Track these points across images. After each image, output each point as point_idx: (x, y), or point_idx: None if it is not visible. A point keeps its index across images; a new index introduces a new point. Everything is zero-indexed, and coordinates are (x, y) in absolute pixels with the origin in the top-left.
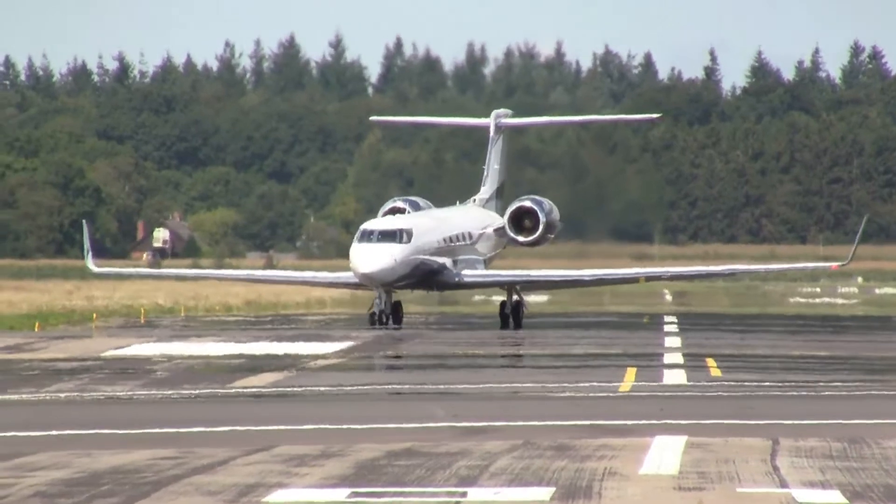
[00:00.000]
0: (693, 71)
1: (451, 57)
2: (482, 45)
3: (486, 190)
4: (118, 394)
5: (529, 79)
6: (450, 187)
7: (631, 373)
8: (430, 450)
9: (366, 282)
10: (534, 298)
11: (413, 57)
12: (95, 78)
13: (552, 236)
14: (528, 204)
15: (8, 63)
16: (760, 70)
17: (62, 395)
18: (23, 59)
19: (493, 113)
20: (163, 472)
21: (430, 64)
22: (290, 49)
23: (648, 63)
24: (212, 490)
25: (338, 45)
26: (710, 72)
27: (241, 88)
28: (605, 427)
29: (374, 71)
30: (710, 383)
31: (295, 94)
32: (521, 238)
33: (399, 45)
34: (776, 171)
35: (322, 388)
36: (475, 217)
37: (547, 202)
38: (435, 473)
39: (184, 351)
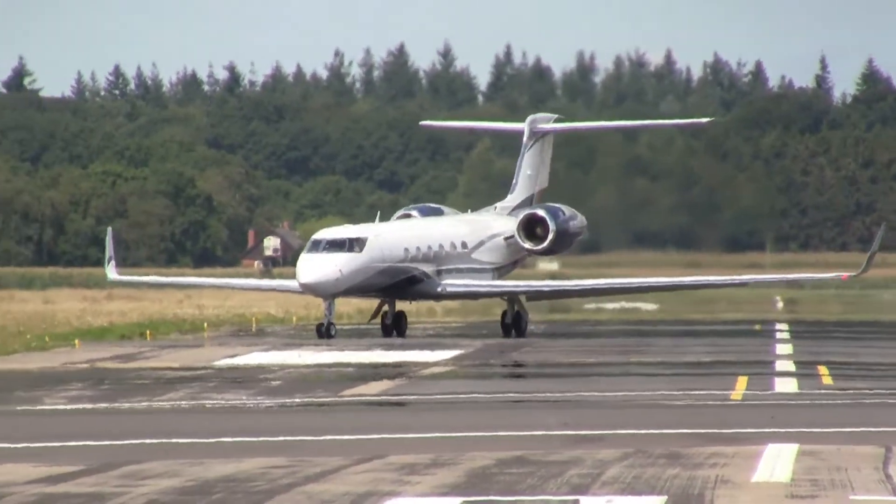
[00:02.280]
0: (803, 79)
1: (560, 65)
2: (592, 53)
3: (513, 197)
4: (230, 402)
5: (639, 87)
6: (558, 195)
7: (742, 381)
8: (542, 458)
9: (308, 293)
10: (644, 306)
11: (523, 65)
12: (205, 87)
13: (571, 244)
14: (539, 212)
15: (118, 72)
16: (871, 78)
17: (173, 403)
18: (132, 68)
19: (529, 118)
20: (275, 481)
21: (540, 72)
22: (399, 58)
23: (759, 71)
24: (324, 499)
25: (447, 55)
26: (821, 80)
27: (351, 97)
28: (717, 435)
29: (483, 80)
30: (821, 391)
31: (405, 103)
32: (527, 245)
33: (509, 53)
34: (887, 178)
35: (432, 397)
36: (475, 225)
37: (568, 211)
38: (546, 482)
39: (295, 360)
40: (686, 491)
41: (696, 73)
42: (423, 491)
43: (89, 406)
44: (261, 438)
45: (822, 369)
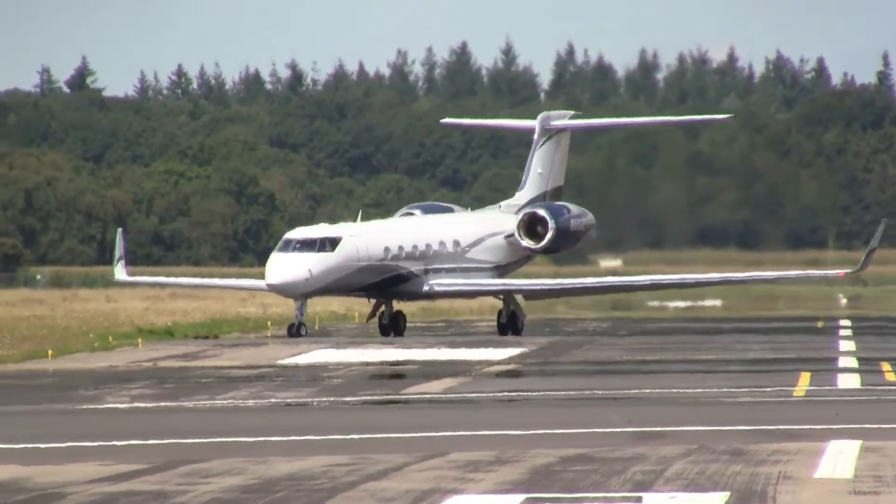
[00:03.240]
0: (866, 76)
1: (623, 63)
2: (654, 50)
3: (522, 195)
4: (293, 400)
5: (702, 84)
6: (621, 193)
7: (805, 377)
8: (605, 455)
9: (276, 293)
10: (708, 303)
11: (585, 63)
12: (268, 86)
13: (576, 242)
14: (539, 211)
15: (180, 72)
16: None
17: (236, 402)
18: (195, 67)
19: (541, 115)
20: (338, 479)
21: (603, 70)
22: (461, 56)
23: (821, 68)
24: (387, 496)
25: (509, 52)
26: (883, 76)
27: (414, 95)
28: (780, 432)
29: (545, 77)
30: (885, 387)
31: (467, 101)
32: (525, 244)
33: (571, 51)
34: None
35: (495, 394)
36: (472, 224)
37: (576, 209)
38: (609, 479)
39: (358, 357)
40: (749, 487)
41: (759, 70)
42: (486, 488)
43: (152, 405)
44: (324, 436)
45: (886, 366)
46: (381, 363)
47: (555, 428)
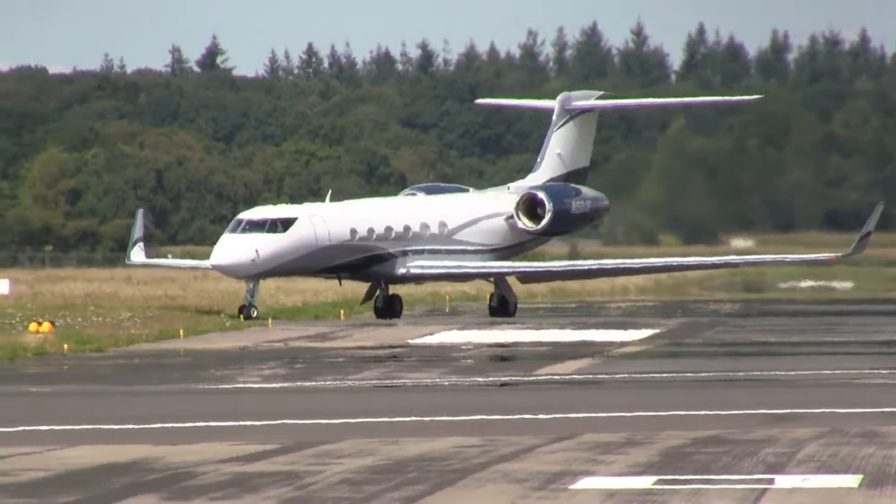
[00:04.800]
0: None
1: (754, 44)
2: (786, 31)
3: (535, 176)
4: (424, 381)
5: (834, 65)
6: (752, 174)
7: None
8: (737, 437)
9: (222, 273)
10: (839, 285)
11: (716, 44)
12: (399, 66)
13: (580, 225)
14: (538, 193)
15: (311, 51)
16: None
17: (368, 382)
18: (326, 47)
19: (561, 95)
20: (469, 460)
21: (734, 51)
22: (592, 37)
23: None
24: (518, 477)
25: (640, 33)
26: None
27: (544, 76)
28: None
29: (676, 58)
30: None
31: (598, 82)
32: (521, 225)
33: (702, 31)
34: None
35: (626, 376)
36: (466, 205)
37: (588, 192)
38: (741, 461)
39: (488, 338)
40: (882, 469)
41: (891, 50)
42: (618, 470)
43: (284, 385)
44: (454, 418)
45: None
46: (512, 344)
47: (686, 410)
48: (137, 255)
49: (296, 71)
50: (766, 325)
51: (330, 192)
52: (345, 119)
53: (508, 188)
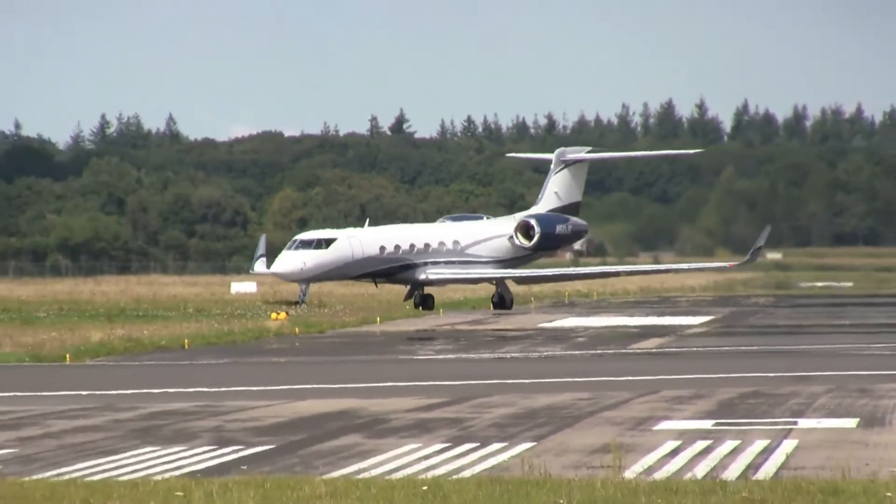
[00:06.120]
0: None
1: (782, 113)
2: (804, 105)
3: (537, 208)
4: (550, 353)
5: (838, 129)
6: (781, 206)
7: None
8: (770, 392)
9: (279, 278)
10: (840, 284)
11: (756, 114)
12: (531, 130)
13: (564, 243)
14: (531, 220)
15: (469, 120)
16: None
17: (510, 354)
18: (480, 117)
19: (558, 150)
20: (581, 409)
21: (768, 119)
22: (668, 108)
23: None
24: (616, 421)
25: (702, 106)
26: None
27: (634, 136)
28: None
29: (727, 124)
30: None
31: (672, 141)
32: (517, 243)
33: (745, 105)
34: None
35: (694, 349)
36: (476, 228)
37: (575, 220)
38: (774, 408)
39: (596, 323)
40: (873, 415)
41: (878, 119)
42: (687, 416)
43: (450, 356)
44: (570, 379)
45: None
46: (612, 327)
47: (736, 373)
48: (259, 266)
49: (459, 133)
50: (791, 313)
51: (368, 220)
52: (493, 167)
53: (515, 217)
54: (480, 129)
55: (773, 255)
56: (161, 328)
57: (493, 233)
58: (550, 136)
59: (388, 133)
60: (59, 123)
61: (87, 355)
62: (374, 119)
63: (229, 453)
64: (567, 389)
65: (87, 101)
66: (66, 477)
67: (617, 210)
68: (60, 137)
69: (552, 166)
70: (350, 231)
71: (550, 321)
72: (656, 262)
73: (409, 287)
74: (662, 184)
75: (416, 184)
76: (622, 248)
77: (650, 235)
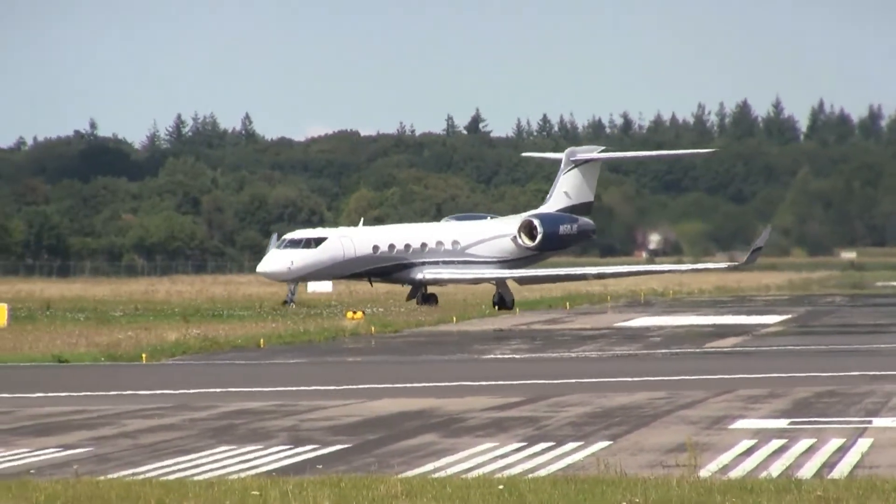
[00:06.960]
0: None
1: (857, 113)
2: (879, 104)
3: (546, 207)
4: (625, 352)
5: None
6: (856, 206)
7: None
8: (846, 391)
9: (265, 278)
10: None
11: (831, 114)
12: (607, 129)
13: (567, 243)
14: (534, 220)
15: (545, 119)
16: None
17: (587, 353)
18: (556, 116)
19: (568, 150)
20: (658, 408)
21: (843, 118)
22: (743, 108)
23: None
24: (692, 420)
25: (777, 105)
26: None
27: (710, 136)
28: None
29: (803, 123)
30: None
31: (747, 140)
32: (520, 243)
33: (821, 105)
34: None
35: (769, 348)
36: (478, 228)
37: (582, 220)
38: (849, 408)
39: (671, 322)
40: None
41: None
42: (762, 415)
43: (526, 356)
44: (646, 378)
45: None
46: (687, 326)
47: (811, 372)
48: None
49: (534, 133)
50: (866, 312)
51: (363, 219)
52: None
53: (520, 216)
54: (556, 129)
55: (848, 255)
56: (237, 327)
57: (496, 232)
58: (626, 135)
59: (464, 132)
60: (134, 123)
61: (163, 355)
62: (449, 118)
63: (305, 452)
64: (643, 388)
65: (163, 100)
66: (142, 476)
67: (692, 209)
68: (136, 137)
69: (562, 165)
70: (342, 230)
71: (626, 320)
72: (731, 260)
73: (410, 287)
74: (738, 183)
75: (491, 183)
76: (698, 248)
77: (727, 235)
